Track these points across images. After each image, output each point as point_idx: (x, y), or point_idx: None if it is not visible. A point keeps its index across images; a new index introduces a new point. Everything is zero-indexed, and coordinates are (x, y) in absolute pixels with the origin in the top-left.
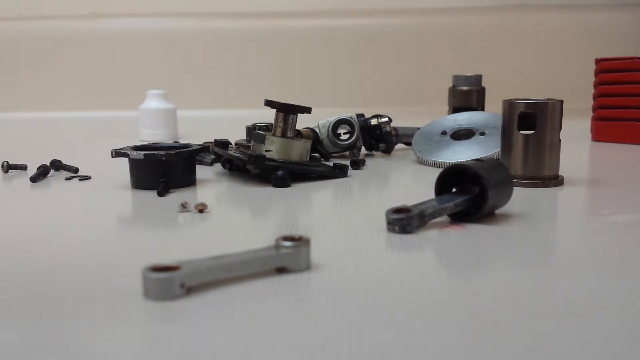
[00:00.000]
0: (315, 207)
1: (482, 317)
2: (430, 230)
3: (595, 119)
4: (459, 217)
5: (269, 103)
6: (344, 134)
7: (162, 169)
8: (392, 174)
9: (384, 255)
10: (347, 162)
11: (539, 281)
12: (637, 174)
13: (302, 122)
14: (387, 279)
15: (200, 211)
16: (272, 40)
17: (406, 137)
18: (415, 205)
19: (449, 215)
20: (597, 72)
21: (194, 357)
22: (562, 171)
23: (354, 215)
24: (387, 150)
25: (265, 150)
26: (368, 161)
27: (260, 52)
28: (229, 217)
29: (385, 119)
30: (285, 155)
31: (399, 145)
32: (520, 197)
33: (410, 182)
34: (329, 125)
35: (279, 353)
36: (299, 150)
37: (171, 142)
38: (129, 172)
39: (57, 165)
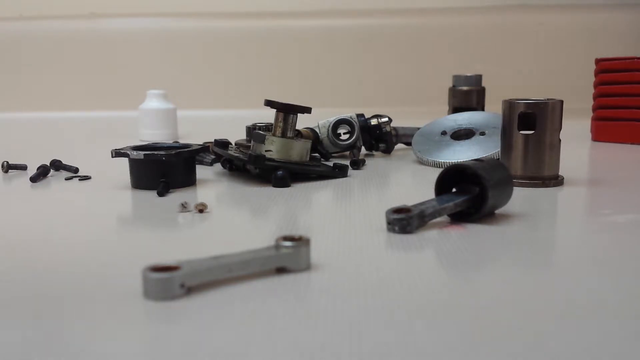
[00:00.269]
0: (315, 207)
1: (482, 317)
2: (430, 230)
3: (595, 119)
4: (459, 217)
5: (269, 103)
6: (344, 134)
7: (162, 169)
8: (392, 174)
9: (384, 255)
10: (347, 162)
11: (539, 281)
12: (637, 174)
13: (302, 122)
14: (387, 279)
15: (200, 211)
16: (272, 40)
17: (406, 137)
18: (415, 205)
19: (449, 215)
20: (597, 72)
21: (194, 357)
22: (562, 171)
23: (354, 215)
24: (387, 150)
25: (265, 150)
26: (368, 161)
27: (260, 52)
28: (229, 217)
29: (385, 119)
30: (285, 155)
31: (399, 145)
32: (520, 197)
33: (410, 182)
34: (329, 125)
35: (279, 353)
36: (299, 150)
37: (171, 142)
38: (129, 172)
39: (57, 165)
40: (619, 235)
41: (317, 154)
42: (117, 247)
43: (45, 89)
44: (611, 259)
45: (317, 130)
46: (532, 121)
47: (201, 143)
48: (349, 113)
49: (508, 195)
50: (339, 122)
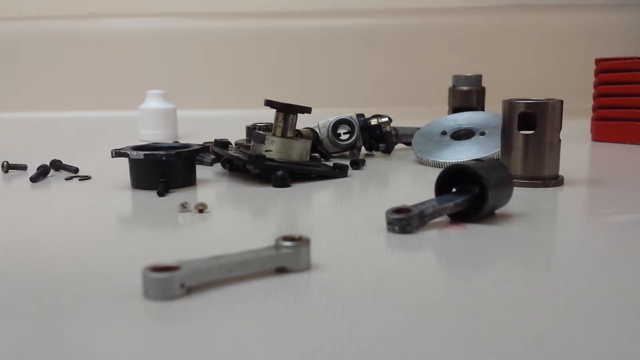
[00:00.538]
0: (315, 207)
1: (482, 317)
2: (430, 230)
3: (595, 119)
4: (459, 217)
5: (269, 103)
6: (344, 134)
7: (162, 169)
8: (392, 174)
9: (384, 255)
10: (347, 162)
11: (539, 281)
12: (637, 174)
13: (302, 122)
14: (387, 279)
15: (200, 211)
16: (272, 40)
17: (406, 137)
18: (415, 205)
19: (449, 215)
20: (597, 72)
21: (194, 357)
22: (562, 171)
23: (354, 215)
24: (387, 150)
25: (265, 150)
26: (368, 161)
27: (260, 52)
28: (229, 217)
29: (385, 119)
30: (285, 155)
31: (399, 145)
32: (520, 197)
33: (410, 182)
34: (329, 125)
35: (279, 353)
36: (299, 150)
37: (171, 142)
38: (129, 172)
39: (57, 165)
40: (619, 235)
41: (317, 154)
42: (117, 247)
43: (45, 89)
44: (611, 259)
45: (317, 130)
46: (532, 121)
47: (201, 143)
48: (349, 113)
49: (508, 195)
50: (339, 122)
